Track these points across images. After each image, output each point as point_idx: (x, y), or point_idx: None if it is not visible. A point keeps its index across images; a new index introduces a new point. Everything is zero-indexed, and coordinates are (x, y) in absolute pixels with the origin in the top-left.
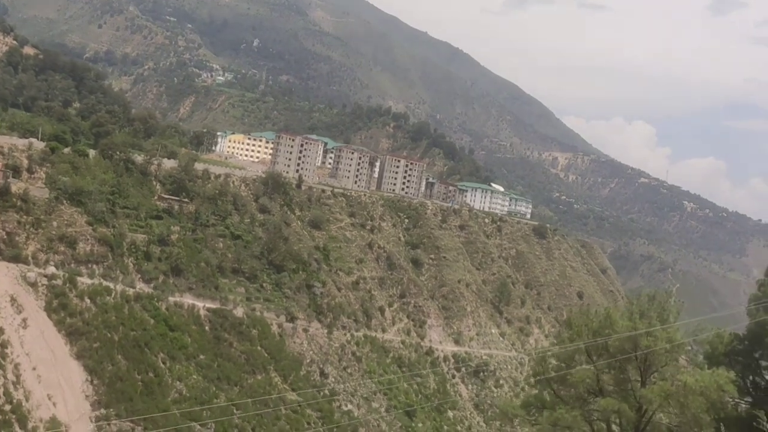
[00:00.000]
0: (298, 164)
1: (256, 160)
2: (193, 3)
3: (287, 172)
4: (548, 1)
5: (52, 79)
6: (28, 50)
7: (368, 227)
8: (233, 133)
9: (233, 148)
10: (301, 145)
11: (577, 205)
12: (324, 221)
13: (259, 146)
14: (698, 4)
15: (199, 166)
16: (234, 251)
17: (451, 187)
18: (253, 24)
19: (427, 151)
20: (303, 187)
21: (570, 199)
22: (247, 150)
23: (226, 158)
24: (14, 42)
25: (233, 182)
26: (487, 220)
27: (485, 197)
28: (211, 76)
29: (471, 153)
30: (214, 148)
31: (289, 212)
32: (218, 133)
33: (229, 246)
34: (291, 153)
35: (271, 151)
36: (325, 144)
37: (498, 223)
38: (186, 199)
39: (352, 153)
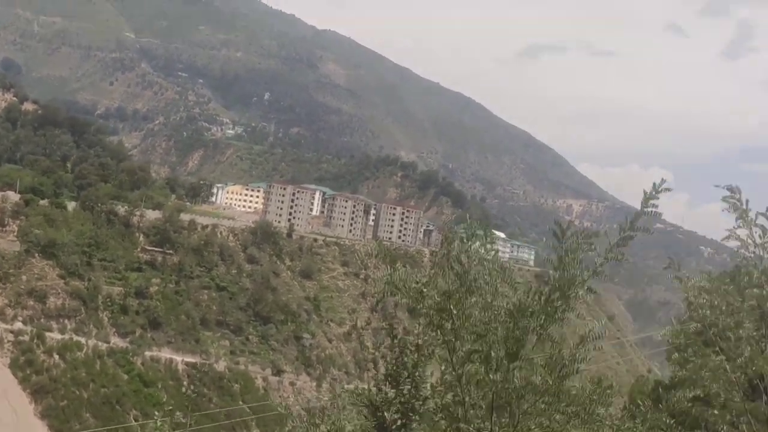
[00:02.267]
0: (290, 213)
1: (252, 210)
2: (205, 58)
3: (278, 221)
4: (560, 50)
5: (50, 134)
6: (28, 106)
7: (362, 276)
8: (233, 184)
9: (231, 199)
10: (293, 194)
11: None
12: (315, 271)
13: (257, 196)
14: (710, 51)
15: (185, 217)
16: (219, 303)
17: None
18: (265, 78)
19: (435, 199)
20: (294, 237)
21: None
22: (244, 200)
23: (224, 209)
24: (14, 98)
25: (221, 232)
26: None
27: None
28: (221, 129)
29: (483, 201)
30: (213, 199)
31: (278, 262)
32: (217, 185)
33: (214, 298)
34: (282, 202)
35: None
36: (324, 193)
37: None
38: (170, 251)
39: (346, 201)
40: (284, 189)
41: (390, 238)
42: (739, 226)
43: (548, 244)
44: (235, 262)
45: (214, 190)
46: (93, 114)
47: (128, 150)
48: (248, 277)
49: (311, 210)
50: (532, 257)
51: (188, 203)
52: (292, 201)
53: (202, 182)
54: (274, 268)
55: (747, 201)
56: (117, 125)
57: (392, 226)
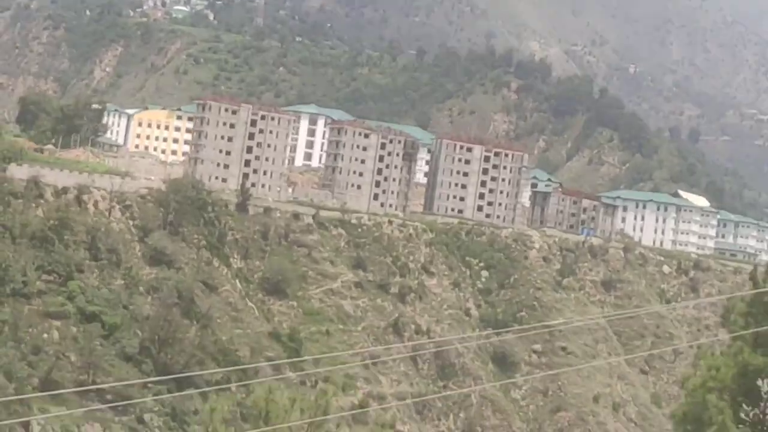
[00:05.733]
0: (248, 163)
1: (181, 161)
2: None
3: (220, 179)
4: None
5: None
6: None
7: (395, 289)
8: (146, 108)
9: (147, 135)
10: (254, 122)
11: None
12: (294, 280)
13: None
14: None
15: (20, 173)
16: (82, 347)
17: (589, 203)
18: None
19: (589, 135)
20: (253, 210)
21: None
22: (173, 141)
23: (131, 157)
24: None
25: (96, 203)
26: (667, 268)
27: (665, 221)
28: (162, 4)
29: (695, 139)
30: (114, 137)
31: (216, 262)
32: (114, 110)
33: (73, 336)
34: (231, 140)
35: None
36: (325, 121)
37: (692, 272)
38: None
39: (367, 136)
40: (234, 113)
41: (460, 211)
42: None
43: None
44: (123, 263)
45: (109, 120)
46: None
47: None
48: (149, 294)
49: (291, 156)
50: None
51: (51, 146)
52: (252, 137)
53: (92, 105)
54: (206, 274)
55: None
56: None
57: (464, 188)
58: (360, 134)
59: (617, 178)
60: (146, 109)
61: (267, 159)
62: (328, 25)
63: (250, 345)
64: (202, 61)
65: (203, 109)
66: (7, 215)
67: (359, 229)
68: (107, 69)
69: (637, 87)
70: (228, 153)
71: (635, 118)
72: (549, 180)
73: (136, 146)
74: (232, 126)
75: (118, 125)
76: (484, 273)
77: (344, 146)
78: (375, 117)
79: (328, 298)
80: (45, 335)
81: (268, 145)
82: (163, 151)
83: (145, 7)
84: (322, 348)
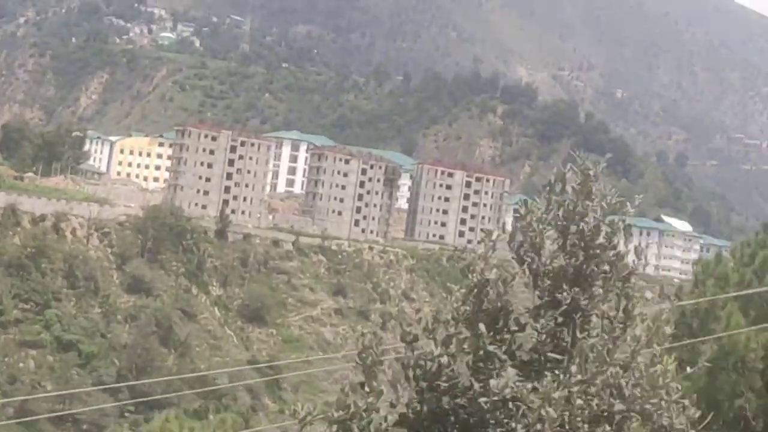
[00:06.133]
0: (227, 190)
1: (162, 188)
2: None
3: (200, 206)
4: None
5: None
6: None
7: (375, 316)
8: (126, 135)
9: (129, 162)
10: (234, 148)
11: None
12: (274, 307)
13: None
14: None
15: None
16: (58, 375)
17: None
18: None
19: (575, 160)
20: (233, 236)
21: None
22: (155, 167)
23: (113, 184)
24: None
25: (73, 231)
26: (649, 294)
27: (647, 246)
28: (148, 30)
29: (682, 163)
30: (96, 164)
31: (194, 290)
32: (97, 137)
33: (49, 365)
34: (211, 166)
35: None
36: (307, 147)
37: (672, 298)
38: None
39: (347, 161)
40: (214, 139)
41: (441, 237)
42: None
43: None
44: (100, 290)
45: (91, 147)
46: None
47: None
48: (127, 322)
49: (273, 182)
50: None
51: (32, 173)
52: (232, 164)
53: (73, 132)
54: (185, 302)
55: None
56: None
57: (446, 213)
58: (340, 160)
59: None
60: (129, 136)
61: (247, 185)
62: (315, 51)
63: (230, 374)
64: (187, 87)
65: (183, 135)
66: None
67: (339, 256)
68: (93, 96)
69: (624, 111)
70: (208, 179)
71: (621, 143)
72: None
73: (118, 173)
74: (211, 152)
75: (101, 152)
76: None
77: (325, 172)
78: (361, 143)
79: (308, 325)
80: (21, 364)
81: (248, 172)
82: (145, 178)
83: (131, 34)
84: (302, 376)
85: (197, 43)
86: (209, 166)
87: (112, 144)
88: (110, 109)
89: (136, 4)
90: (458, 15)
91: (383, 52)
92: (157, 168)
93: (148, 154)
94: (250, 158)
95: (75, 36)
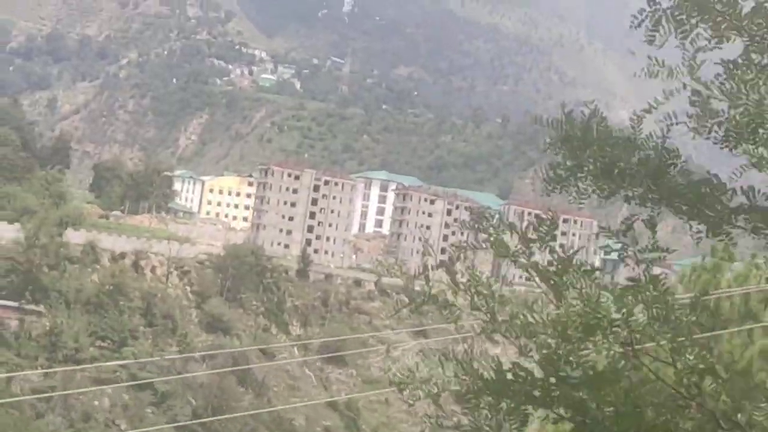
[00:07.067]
0: (311, 229)
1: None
2: None
3: (282, 245)
4: None
5: None
6: None
7: (456, 356)
8: (221, 175)
9: (218, 201)
10: (318, 188)
11: None
12: (355, 348)
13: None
14: None
15: (76, 237)
16: (133, 411)
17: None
18: None
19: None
20: (314, 275)
21: None
22: (245, 206)
23: (201, 224)
24: None
25: (153, 269)
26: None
27: None
28: (249, 72)
29: None
30: (187, 203)
31: (275, 329)
32: (185, 176)
33: (125, 403)
34: (294, 205)
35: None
36: (393, 187)
37: None
38: (34, 305)
39: (432, 202)
40: (297, 178)
41: (527, 279)
42: None
43: None
44: (178, 329)
45: (183, 186)
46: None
47: (59, 117)
48: (203, 361)
49: (362, 222)
50: None
51: (118, 212)
52: (316, 203)
53: (163, 173)
54: (263, 341)
55: None
56: (46, 69)
57: (532, 254)
58: (425, 200)
59: (689, 243)
60: (221, 176)
61: (330, 225)
62: (415, 93)
63: (307, 415)
64: (285, 128)
65: (266, 174)
66: (63, 280)
67: (422, 297)
68: (192, 137)
69: (727, 155)
70: (291, 218)
71: (714, 183)
72: (622, 248)
73: (207, 213)
74: (294, 191)
75: (192, 192)
76: None
77: (409, 212)
78: (456, 185)
79: (394, 365)
80: (95, 402)
81: (332, 211)
82: (234, 218)
83: (231, 76)
84: (381, 417)
85: (297, 85)
86: (292, 205)
87: (203, 183)
88: (209, 149)
89: (237, 46)
90: (560, 58)
91: (484, 94)
92: (247, 208)
93: (237, 194)
94: (334, 197)
95: (176, 77)
